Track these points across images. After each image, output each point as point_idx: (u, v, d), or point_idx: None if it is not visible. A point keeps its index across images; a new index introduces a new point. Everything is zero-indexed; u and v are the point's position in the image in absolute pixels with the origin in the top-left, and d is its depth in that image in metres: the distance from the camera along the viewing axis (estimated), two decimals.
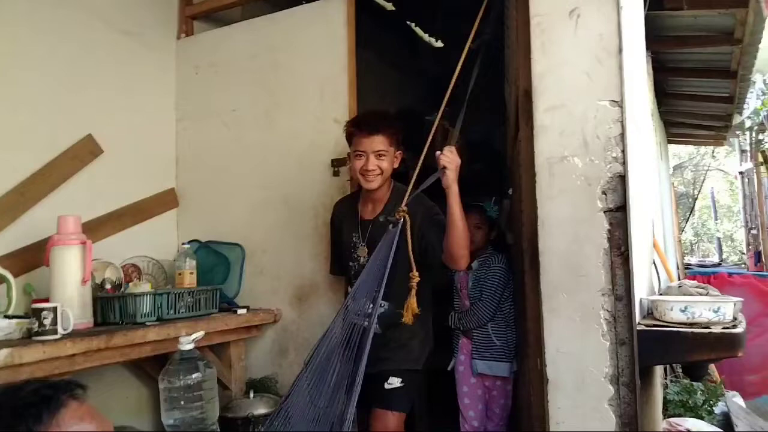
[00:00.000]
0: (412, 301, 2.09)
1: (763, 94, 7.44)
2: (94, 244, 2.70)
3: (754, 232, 9.47)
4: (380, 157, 2.23)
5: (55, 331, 2.08)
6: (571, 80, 1.92)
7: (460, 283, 3.06)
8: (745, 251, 10.56)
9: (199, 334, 2.22)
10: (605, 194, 1.86)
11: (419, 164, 2.30)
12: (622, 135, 1.84)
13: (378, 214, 2.33)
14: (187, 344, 2.15)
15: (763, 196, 8.87)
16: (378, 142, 2.22)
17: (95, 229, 2.82)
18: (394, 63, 5.08)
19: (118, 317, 2.46)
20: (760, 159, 8.46)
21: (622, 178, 1.84)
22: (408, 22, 4.19)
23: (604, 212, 1.86)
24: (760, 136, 8.48)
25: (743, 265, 10.10)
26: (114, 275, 2.64)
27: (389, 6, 3.89)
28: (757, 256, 8.90)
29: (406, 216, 2.13)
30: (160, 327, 2.39)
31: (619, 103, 1.85)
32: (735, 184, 12.82)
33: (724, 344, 1.74)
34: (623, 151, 1.84)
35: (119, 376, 2.94)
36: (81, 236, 2.40)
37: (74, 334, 2.14)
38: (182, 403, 2.07)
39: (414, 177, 2.29)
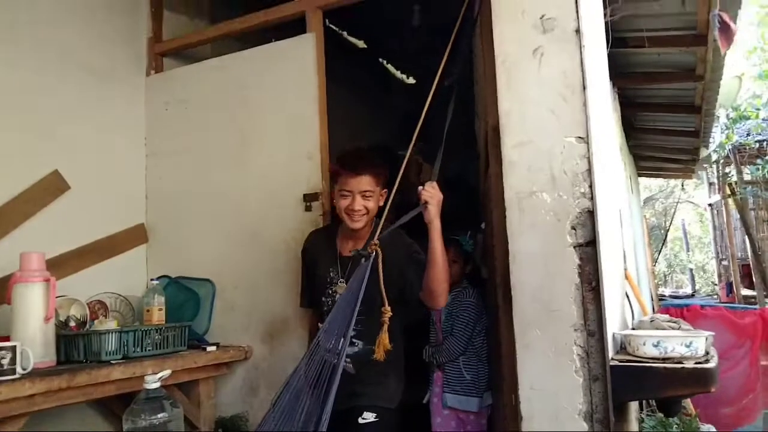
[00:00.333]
0: (384, 337, 2.03)
1: (727, 128, 7.66)
2: (60, 280, 2.64)
3: (725, 263, 9.64)
4: (366, 197, 2.19)
5: (14, 371, 2.01)
6: (537, 117, 1.96)
7: (435, 316, 3.05)
8: (717, 282, 10.72)
9: (166, 372, 2.16)
10: (575, 229, 1.87)
11: (391, 199, 2.29)
12: (589, 170, 1.87)
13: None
14: (152, 383, 2.08)
15: (732, 228, 9.06)
16: (365, 183, 2.18)
17: (61, 265, 2.76)
18: (366, 99, 5.13)
19: (82, 355, 2.38)
20: (728, 191, 8.66)
21: (591, 214, 1.85)
22: (380, 59, 4.24)
23: (574, 247, 1.87)
24: (727, 169, 8.71)
25: (715, 296, 10.26)
26: (79, 312, 2.56)
27: (360, 44, 3.95)
28: (729, 286, 9.05)
29: (378, 250, 2.09)
30: (125, 365, 2.32)
31: (585, 140, 1.88)
32: (705, 215, 13.09)
33: (696, 379, 1.74)
34: (591, 187, 1.86)
35: (84, 416, 2.83)
36: (44, 273, 2.34)
37: (34, 374, 2.06)
38: None
39: (386, 211, 2.27)
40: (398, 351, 2.21)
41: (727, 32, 2.87)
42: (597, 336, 1.83)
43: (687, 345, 1.84)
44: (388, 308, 2.01)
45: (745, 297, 8.42)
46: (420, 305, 2.21)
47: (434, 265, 2.05)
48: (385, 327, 2.01)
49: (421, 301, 2.18)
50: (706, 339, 1.91)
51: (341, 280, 2.28)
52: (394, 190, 2.28)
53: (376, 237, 2.10)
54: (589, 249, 1.85)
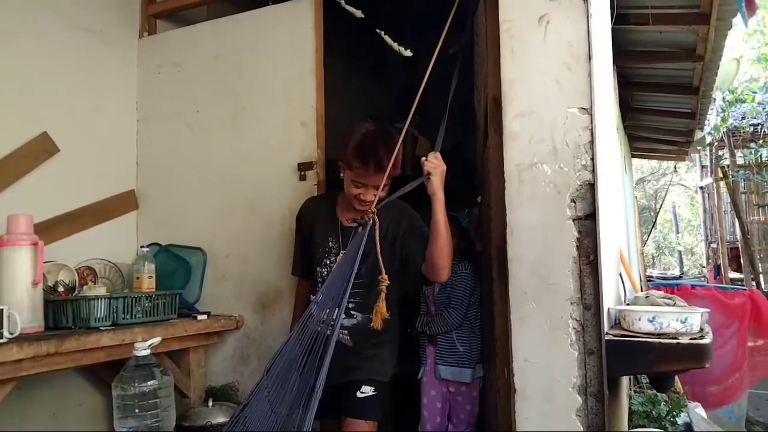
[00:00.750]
0: (381, 305, 1.99)
1: (723, 110, 7.65)
2: (49, 245, 2.60)
3: (713, 245, 9.71)
4: (378, 188, 2.12)
5: (1, 335, 1.97)
6: (540, 87, 1.92)
7: (428, 288, 3.04)
8: (705, 264, 10.81)
9: (156, 340, 2.14)
10: (574, 202, 1.85)
11: (388, 170, 2.23)
12: (592, 142, 1.84)
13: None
14: (142, 350, 2.08)
15: (722, 211, 9.11)
16: (380, 179, 2.09)
17: (49, 230, 2.71)
18: (363, 70, 5.06)
19: (71, 321, 2.35)
20: (720, 174, 8.68)
21: (592, 186, 1.83)
22: (378, 31, 4.16)
23: (573, 220, 1.85)
24: (720, 152, 8.72)
25: (703, 278, 10.35)
26: (67, 278, 2.53)
27: (358, 13, 3.86)
28: (717, 269, 9.12)
29: (375, 218, 2.03)
30: (114, 332, 2.29)
31: (589, 111, 1.85)
32: (695, 198, 13.16)
33: (691, 355, 1.74)
34: (593, 159, 1.83)
35: (72, 383, 2.82)
36: (32, 237, 2.29)
37: (21, 339, 2.03)
38: (136, 411, 2.00)
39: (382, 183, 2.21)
40: (394, 321, 2.19)
41: (751, 2, 2.86)
42: (593, 310, 1.82)
43: (682, 321, 1.84)
44: (386, 276, 1.98)
45: (733, 280, 8.49)
46: (422, 279, 2.15)
47: (438, 237, 1.99)
48: (383, 296, 1.98)
49: (423, 274, 2.12)
50: (702, 315, 1.91)
51: (342, 250, 2.21)
52: (391, 162, 2.23)
53: (373, 205, 2.06)
54: (588, 222, 1.83)
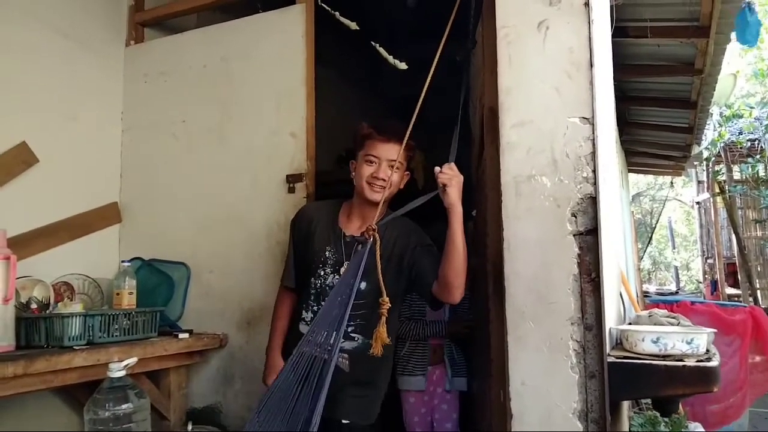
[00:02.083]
0: (382, 330, 1.87)
1: (720, 125, 7.62)
2: (26, 260, 2.52)
3: (710, 261, 9.65)
4: (393, 167, 2.02)
5: None
6: (539, 95, 1.83)
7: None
8: (701, 280, 10.74)
9: (131, 360, 2.02)
10: (575, 216, 1.75)
11: (388, 184, 2.12)
12: (593, 154, 1.75)
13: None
14: (117, 371, 1.95)
15: (719, 226, 9.05)
16: (395, 152, 2.00)
17: (27, 244, 2.61)
18: (358, 81, 5.00)
19: (44, 340, 2.23)
20: (717, 189, 8.63)
21: (593, 200, 1.73)
22: (372, 43, 4.09)
23: (574, 235, 1.75)
24: (717, 167, 8.68)
25: (700, 294, 10.27)
26: (41, 294, 2.42)
27: (353, 25, 3.79)
28: (714, 284, 9.05)
29: (376, 236, 1.90)
30: (89, 351, 2.17)
31: (590, 120, 1.76)
32: (692, 213, 13.12)
33: (698, 379, 1.63)
34: (594, 171, 1.74)
35: (46, 404, 2.68)
36: (4, 251, 2.18)
37: None
38: None
39: (386, 195, 2.10)
40: (392, 348, 2.07)
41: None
42: (594, 331, 1.72)
43: (688, 342, 1.73)
44: (387, 299, 1.86)
45: (730, 295, 8.42)
46: (431, 299, 2.03)
47: (455, 253, 1.87)
48: (383, 320, 1.86)
49: (433, 294, 1.99)
50: (708, 336, 1.81)
51: (344, 260, 2.06)
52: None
53: (374, 221, 1.94)
54: (589, 238, 1.73)
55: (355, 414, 2.04)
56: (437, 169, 1.89)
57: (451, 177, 1.86)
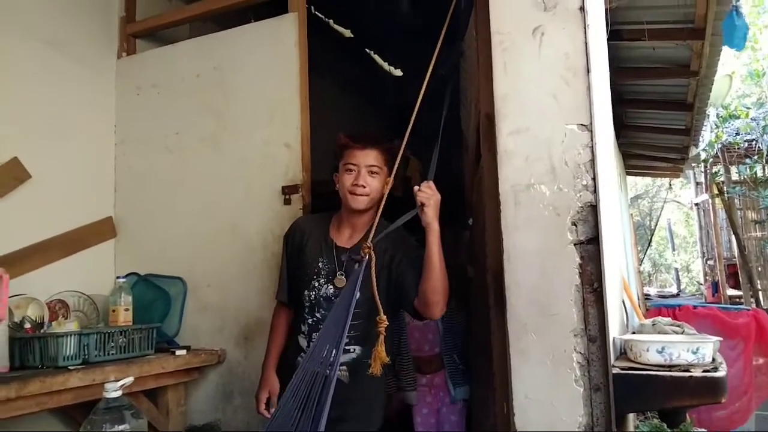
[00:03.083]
0: (380, 350, 1.85)
1: (717, 126, 7.61)
2: (20, 278, 2.47)
3: (710, 262, 9.61)
4: (372, 174, 2.04)
5: None
6: (536, 102, 1.80)
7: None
8: (702, 282, 10.70)
9: (127, 380, 1.98)
10: (575, 225, 1.72)
11: (385, 194, 2.11)
12: (593, 161, 1.72)
13: (357, 243, 2.08)
14: (113, 391, 1.91)
15: (719, 228, 9.02)
16: (372, 157, 2.04)
17: (20, 261, 2.57)
18: (353, 89, 4.97)
19: (38, 360, 2.19)
20: (715, 191, 8.61)
21: (594, 208, 1.70)
22: (367, 50, 4.07)
23: (575, 245, 1.72)
24: (715, 168, 8.66)
25: (701, 296, 10.24)
26: (35, 313, 2.37)
27: (347, 33, 3.78)
28: (714, 286, 9.02)
29: (372, 253, 1.91)
30: (84, 371, 2.13)
31: (588, 127, 1.73)
32: (690, 215, 13.10)
33: (706, 389, 1.60)
34: (594, 179, 1.71)
35: (42, 424, 2.62)
36: None
37: None
38: None
39: (381, 206, 2.08)
40: (391, 357, 2.05)
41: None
42: (598, 342, 1.68)
43: (694, 351, 1.70)
44: (384, 317, 1.84)
45: (731, 297, 8.39)
46: (415, 313, 2.03)
47: (432, 272, 1.88)
48: (382, 338, 1.84)
49: (416, 309, 1.99)
50: (714, 344, 1.77)
51: (340, 273, 2.07)
52: (389, 185, 2.11)
53: (369, 239, 1.93)
54: (590, 247, 1.70)
55: (358, 422, 2.03)
56: (416, 187, 1.91)
57: (429, 196, 1.88)
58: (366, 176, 2.03)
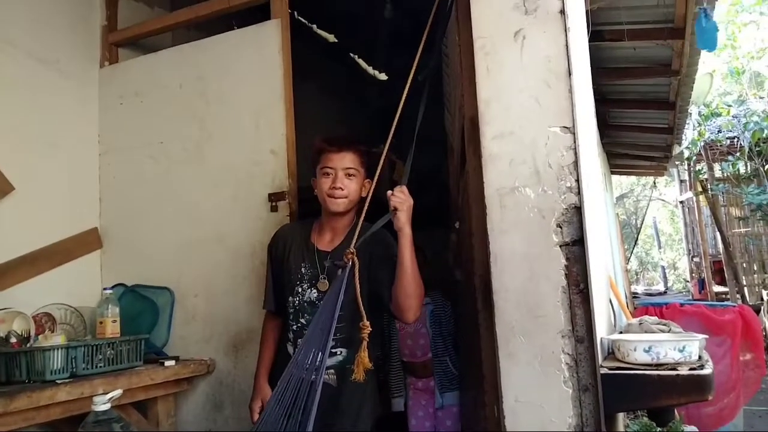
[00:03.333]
0: (363, 356, 1.85)
1: (699, 124, 7.69)
2: (4, 291, 2.46)
3: (696, 260, 9.70)
4: (349, 176, 2.06)
5: None
6: (519, 105, 1.81)
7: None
8: (688, 279, 10.79)
9: (116, 392, 1.96)
10: (560, 227, 1.73)
11: (369, 196, 2.11)
12: (576, 163, 1.73)
13: (338, 246, 2.10)
14: (101, 404, 1.90)
15: (704, 225, 9.11)
16: (348, 160, 2.06)
17: (4, 274, 2.56)
18: (337, 95, 4.97)
19: (25, 375, 2.17)
20: (699, 188, 8.70)
21: (578, 210, 1.71)
22: (351, 54, 4.06)
23: (560, 246, 1.73)
24: (698, 166, 8.75)
25: (687, 293, 10.32)
26: (21, 327, 2.35)
27: (331, 38, 3.78)
28: (701, 283, 9.09)
29: (355, 259, 1.91)
30: (72, 385, 2.12)
31: (571, 130, 1.74)
32: (676, 213, 13.22)
33: (693, 387, 1.61)
34: (578, 181, 1.72)
35: None
36: None
37: None
38: None
39: (365, 209, 2.09)
40: (376, 361, 2.05)
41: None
42: (586, 343, 1.69)
43: (680, 350, 1.71)
44: (368, 323, 1.84)
45: (717, 293, 8.46)
46: (392, 315, 2.05)
47: (404, 277, 1.89)
48: (365, 344, 1.84)
49: (392, 311, 2.00)
50: (700, 342, 1.79)
51: (323, 276, 2.08)
52: (372, 185, 2.12)
53: (352, 245, 1.93)
54: (576, 248, 1.71)
55: (350, 422, 2.04)
56: (389, 192, 1.93)
57: (402, 201, 1.90)
58: (343, 179, 2.06)
